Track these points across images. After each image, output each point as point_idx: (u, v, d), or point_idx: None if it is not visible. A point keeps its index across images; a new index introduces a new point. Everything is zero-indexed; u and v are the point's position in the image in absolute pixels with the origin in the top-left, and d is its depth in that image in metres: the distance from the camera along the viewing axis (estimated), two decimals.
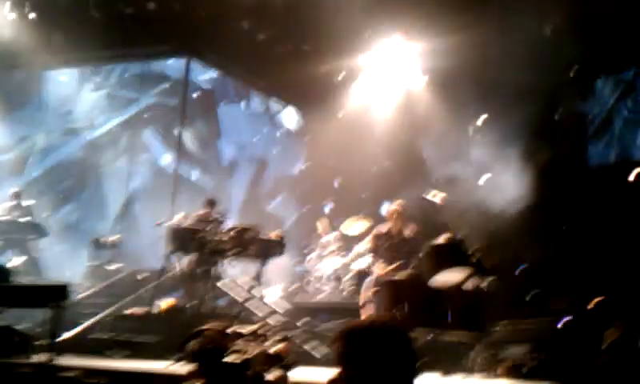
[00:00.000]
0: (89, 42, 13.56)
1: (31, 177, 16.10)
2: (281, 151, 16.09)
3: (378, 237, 8.77)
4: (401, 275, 8.00)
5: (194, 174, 15.97)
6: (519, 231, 10.11)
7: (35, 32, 13.58)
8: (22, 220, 11.74)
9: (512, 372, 6.79)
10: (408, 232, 8.73)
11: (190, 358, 3.92)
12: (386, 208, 9.20)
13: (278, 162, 16.19)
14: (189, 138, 15.25)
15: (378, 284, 8.00)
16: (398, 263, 8.40)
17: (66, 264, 13.65)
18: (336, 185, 14.52)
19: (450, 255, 7.83)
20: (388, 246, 8.63)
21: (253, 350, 4.12)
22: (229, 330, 4.08)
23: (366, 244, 9.62)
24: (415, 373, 2.61)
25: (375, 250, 8.77)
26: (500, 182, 10.47)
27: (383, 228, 8.87)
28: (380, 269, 8.49)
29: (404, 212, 8.74)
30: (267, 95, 16.03)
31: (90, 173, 16.41)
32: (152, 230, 12.96)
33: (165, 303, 9.32)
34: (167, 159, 15.69)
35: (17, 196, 12.09)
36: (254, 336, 4.31)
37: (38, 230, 11.95)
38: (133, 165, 16.11)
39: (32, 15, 13.49)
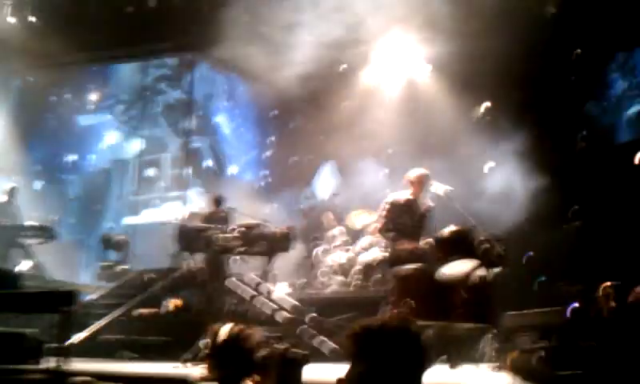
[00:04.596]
0: (91, 43, 13.63)
1: None
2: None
3: (394, 206, 8.05)
4: (408, 268, 7.90)
5: None
6: (527, 217, 10.06)
7: (37, 35, 13.71)
8: (28, 223, 11.75)
9: (521, 362, 6.76)
10: (426, 204, 8.17)
11: (202, 358, 3.92)
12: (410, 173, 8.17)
13: None
14: None
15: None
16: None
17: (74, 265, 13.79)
18: None
19: (457, 246, 7.73)
20: (403, 217, 8.00)
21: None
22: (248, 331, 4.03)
23: (381, 213, 8.27)
24: (425, 367, 2.71)
25: (388, 220, 8.03)
26: (506, 167, 10.45)
27: (402, 196, 8.16)
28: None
29: (428, 180, 8.06)
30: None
31: None
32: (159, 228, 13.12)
33: (173, 303, 9.33)
34: None
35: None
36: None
37: (45, 233, 11.94)
38: None
39: (32, 19, 13.59)
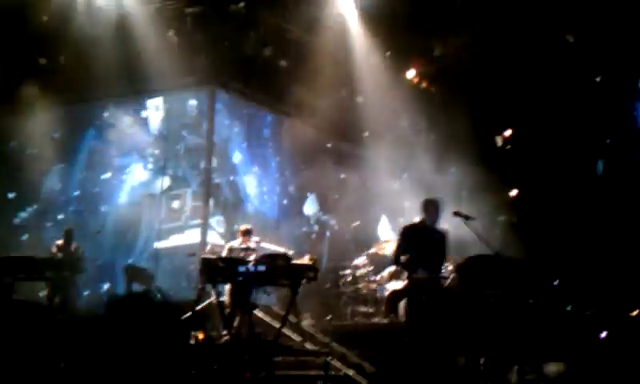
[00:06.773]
0: (113, 79, 13.94)
1: None
2: None
3: (406, 232, 8.09)
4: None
5: None
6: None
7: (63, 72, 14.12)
8: (57, 258, 11.85)
9: None
10: (439, 226, 8.13)
11: None
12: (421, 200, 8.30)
13: None
14: None
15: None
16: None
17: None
18: None
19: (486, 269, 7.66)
20: (417, 239, 7.95)
21: None
22: None
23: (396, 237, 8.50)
24: None
25: (400, 248, 8.03)
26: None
27: (414, 223, 8.30)
28: None
29: (440, 205, 8.07)
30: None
31: None
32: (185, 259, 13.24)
33: (198, 336, 9.33)
34: None
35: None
36: None
37: (73, 266, 12.02)
38: None
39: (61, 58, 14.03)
